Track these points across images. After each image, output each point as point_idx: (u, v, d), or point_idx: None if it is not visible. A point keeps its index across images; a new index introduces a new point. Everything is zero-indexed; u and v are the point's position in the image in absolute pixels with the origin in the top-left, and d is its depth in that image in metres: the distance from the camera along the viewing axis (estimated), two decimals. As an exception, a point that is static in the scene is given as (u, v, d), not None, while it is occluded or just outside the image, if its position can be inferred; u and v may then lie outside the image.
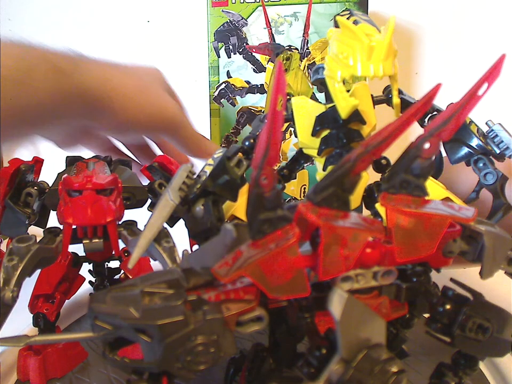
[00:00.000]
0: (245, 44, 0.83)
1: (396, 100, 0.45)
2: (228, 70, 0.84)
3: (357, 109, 0.44)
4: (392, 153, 0.34)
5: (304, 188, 0.84)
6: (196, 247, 0.51)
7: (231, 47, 0.83)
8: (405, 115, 0.28)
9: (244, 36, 0.83)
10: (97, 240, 0.46)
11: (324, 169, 0.49)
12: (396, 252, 0.30)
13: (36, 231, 0.51)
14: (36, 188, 0.51)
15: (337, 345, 0.28)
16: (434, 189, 0.45)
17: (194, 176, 0.46)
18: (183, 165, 0.47)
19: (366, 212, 0.52)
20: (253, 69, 0.84)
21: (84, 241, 0.46)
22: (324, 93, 0.48)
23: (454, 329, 0.34)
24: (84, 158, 0.55)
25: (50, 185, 0.52)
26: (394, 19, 0.39)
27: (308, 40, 0.82)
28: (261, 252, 0.28)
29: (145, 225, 0.41)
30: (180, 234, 0.49)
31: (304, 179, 0.84)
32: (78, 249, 0.50)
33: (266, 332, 0.42)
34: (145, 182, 0.55)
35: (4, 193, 0.49)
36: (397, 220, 0.29)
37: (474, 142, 0.48)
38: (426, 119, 0.50)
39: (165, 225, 0.46)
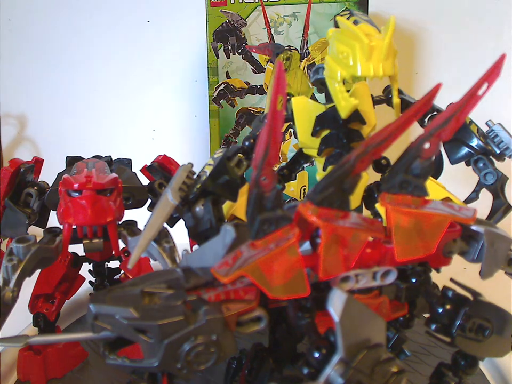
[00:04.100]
0: (244, 44, 0.83)
1: (395, 100, 0.45)
2: (227, 71, 0.84)
3: (357, 109, 0.44)
4: (392, 153, 0.34)
5: (304, 189, 0.84)
6: (196, 247, 0.51)
7: (230, 47, 0.83)
8: (405, 115, 0.28)
9: (243, 36, 0.82)
10: (97, 240, 0.46)
11: (324, 169, 0.49)
12: (396, 252, 0.30)
13: (36, 231, 0.51)
14: (36, 187, 0.51)
15: (337, 345, 0.28)
16: (434, 189, 0.45)
17: (194, 176, 0.46)
18: (183, 165, 0.47)
19: (366, 212, 0.52)
20: (252, 69, 0.84)
21: (83, 241, 0.46)
22: (324, 93, 0.48)
23: (454, 330, 0.34)
24: (83, 158, 0.55)
25: (50, 185, 0.52)
26: (394, 19, 0.39)
27: (307, 41, 0.82)
28: (261, 252, 0.28)
29: (145, 225, 0.41)
30: (180, 234, 0.50)
31: (304, 180, 0.84)
32: (78, 249, 0.50)
33: (266, 332, 0.42)
34: (145, 182, 0.55)
35: (4, 193, 0.49)
36: (397, 220, 0.29)
37: (474, 142, 0.48)
38: (426, 119, 0.50)
39: (165, 225, 0.46)
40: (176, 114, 1.00)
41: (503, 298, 0.39)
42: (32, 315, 0.53)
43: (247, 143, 0.49)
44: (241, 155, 0.48)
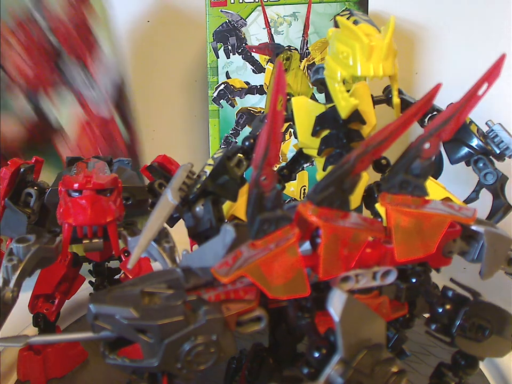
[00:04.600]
0: (244, 44, 0.83)
1: (395, 99, 0.45)
2: (227, 71, 0.84)
3: (357, 109, 0.44)
4: (392, 153, 0.34)
5: (304, 189, 0.84)
6: (196, 247, 0.51)
7: (230, 47, 0.83)
8: (405, 115, 0.28)
9: (243, 36, 0.82)
10: (97, 240, 0.46)
11: (324, 169, 0.49)
12: (396, 252, 0.30)
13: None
14: (36, 187, 0.51)
15: (337, 345, 0.28)
16: (434, 189, 0.45)
17: (194, 176, 0.46)
18: (183, 165, 0.47)
19: (366, 212, 0.52)
20: (252, 69, 0.84)
21: (83, 241, 0.46)
22: (324, 93, 0.48)
23: (454, 330, 0.34)
24: (83, 158, 0.55)
25: (50, 185, 0.52)
26: (394, 19, 0.39)
27: (307, 41, 0.82)
28: (261, 252, 0.28)
29: (145, 225, 0.41)
30: (180, 234, 0.50)
31: (304, 180, 0.84)
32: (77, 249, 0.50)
33: (266, 332, 0.42)
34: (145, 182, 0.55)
35: (4, 193, 0.49)
36: (397, 220, 0.29)
37: (474, 142, 0.49)
38: (426, 119, 0.50)
39: (165, 225, 0.46)
40: (176, 114, 1.00)
41: (503, 298, 0.39)
42: (32, 315, 0.53)
43: (247, 143, 0.49)
44: (241, 155, 0.48)
